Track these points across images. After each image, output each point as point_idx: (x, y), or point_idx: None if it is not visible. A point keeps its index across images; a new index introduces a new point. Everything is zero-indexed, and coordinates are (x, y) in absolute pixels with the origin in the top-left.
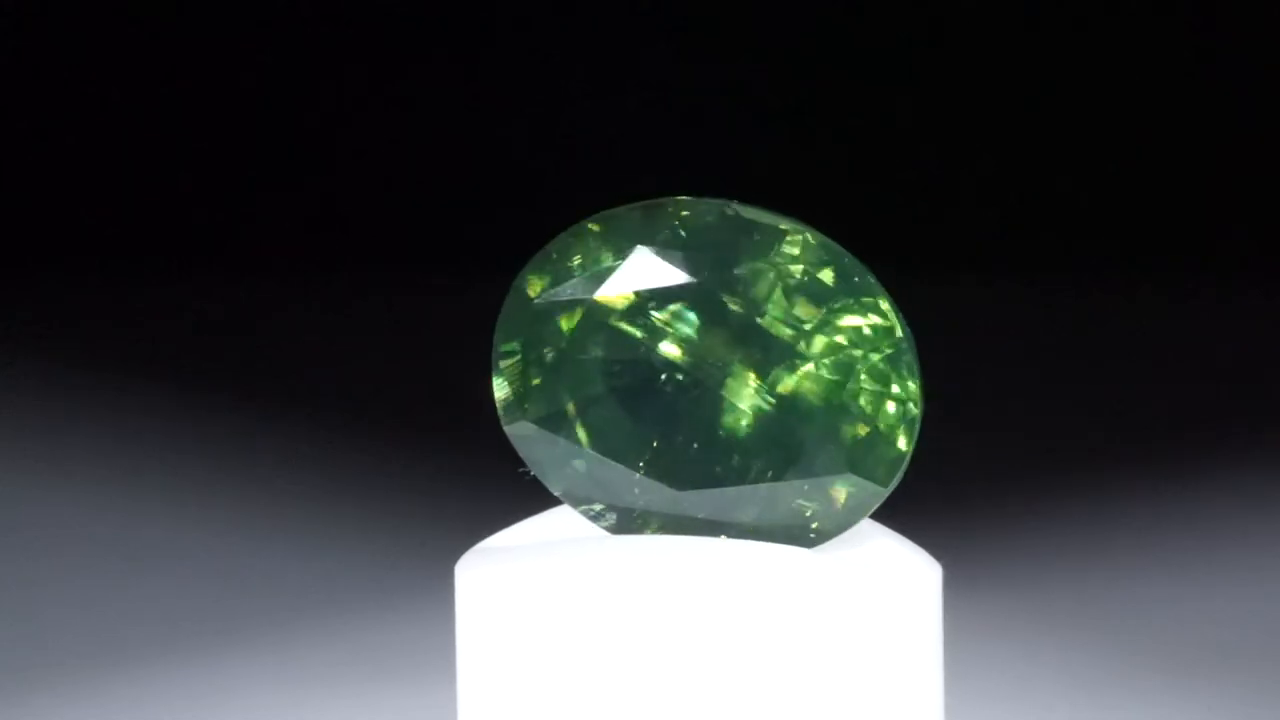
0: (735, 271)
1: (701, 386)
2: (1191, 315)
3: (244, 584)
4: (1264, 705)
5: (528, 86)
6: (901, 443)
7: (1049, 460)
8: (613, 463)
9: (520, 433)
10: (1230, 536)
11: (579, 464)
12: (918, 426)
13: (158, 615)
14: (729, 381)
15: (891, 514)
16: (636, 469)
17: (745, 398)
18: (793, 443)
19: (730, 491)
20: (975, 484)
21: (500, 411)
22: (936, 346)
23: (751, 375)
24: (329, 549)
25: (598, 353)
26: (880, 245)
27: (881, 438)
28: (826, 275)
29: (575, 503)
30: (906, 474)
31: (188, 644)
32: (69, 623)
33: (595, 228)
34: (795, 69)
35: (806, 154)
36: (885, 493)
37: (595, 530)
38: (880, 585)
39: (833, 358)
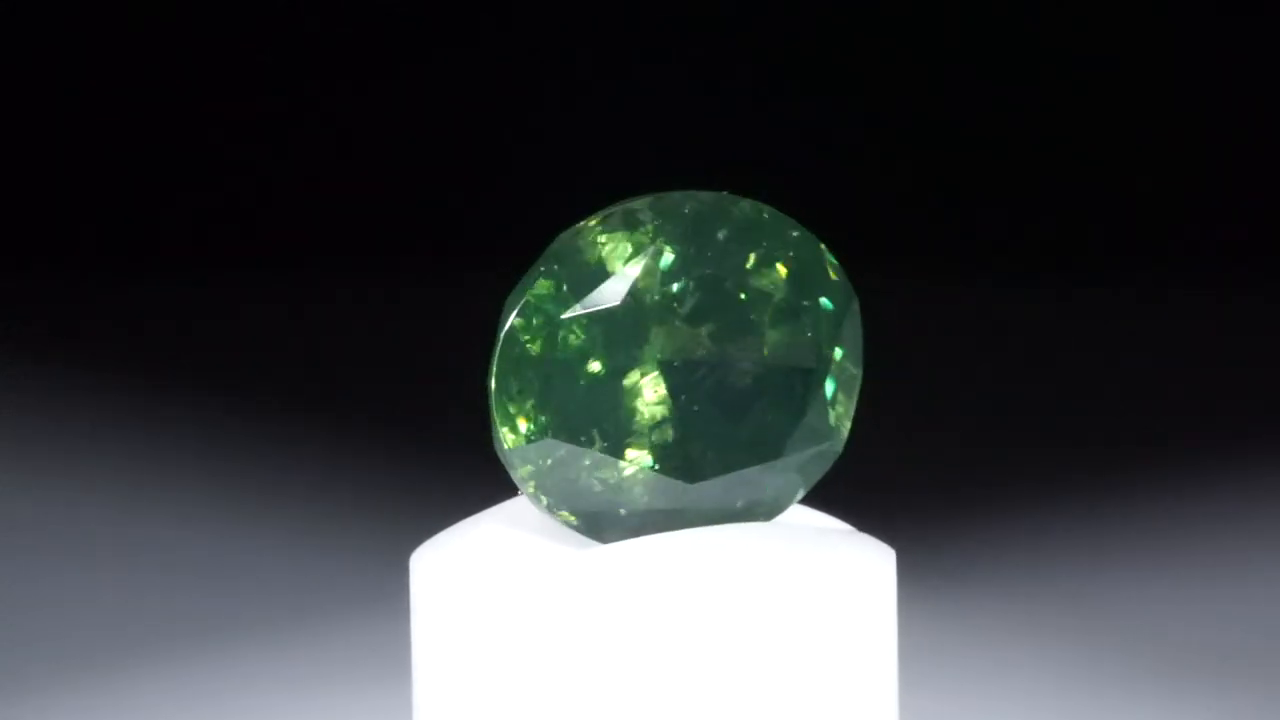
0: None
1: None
2: (1188, 316)
3: (229, 582)
4: (1265, 708)
5: (518, 85)
6: (844, 404)
7: (1046, 461)
8: (634, 467)
9: (539, 457)
10: (1229, 537)
11: (609, 478)
12: (857, 388)
13: (157, 615)
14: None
15: (886, 517)
16: (656, 469)
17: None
18: (771, 421)
19: (733, 477)
20: (971, 485)
21: (514, 448)
22: (927, 345)
23: (733, 359)
24: (317, 545)
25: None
26: (873, 245)
27: (830, 401)
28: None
29: (593, 522)
30: (852, 441)
31: (186, 643)
32: (67, 622)
33: (554, 271)
34: (790, 68)
35: (803, 154)
36: (837, 454)
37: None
38: (836, 568)
39: (785, 336)
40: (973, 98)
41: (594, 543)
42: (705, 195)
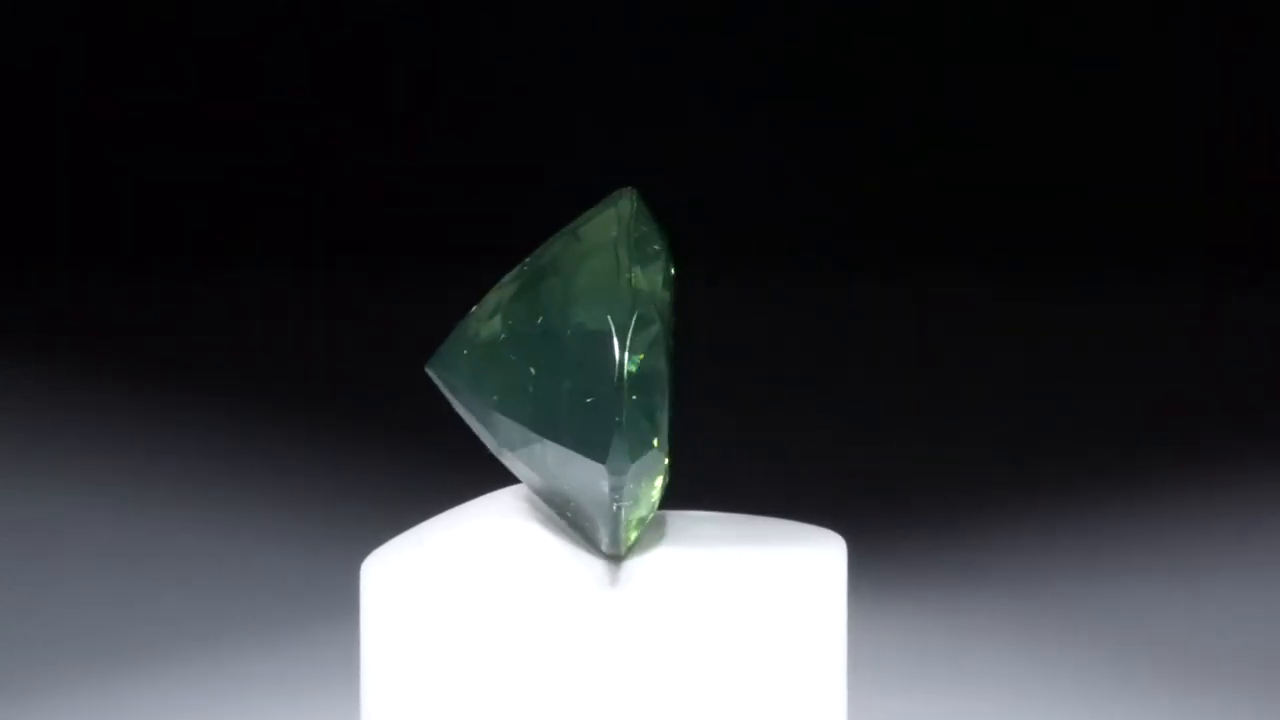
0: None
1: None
2: (1188, 316)
3: (229, 583)
4: (1266, 709)
5: (518, 85)
6: None
7: (1044, 461)
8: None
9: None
10: (1229, 537)
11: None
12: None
13: (158, 615)
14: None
15: (884, 517)
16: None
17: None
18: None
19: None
20: (969, 486)
21: (634, 460)
22: (926, 344)
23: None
24: (318, 545)
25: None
26: (872, 245)
27: None
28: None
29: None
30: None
31: (186, 644)
32: (67, 622)
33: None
34: (790, 68)
35: (802, 154)
36: None
37: (511, 519)
38: (788, 557)
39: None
40: (973, 98)
41: (560, 542)
42: (622, 199)
